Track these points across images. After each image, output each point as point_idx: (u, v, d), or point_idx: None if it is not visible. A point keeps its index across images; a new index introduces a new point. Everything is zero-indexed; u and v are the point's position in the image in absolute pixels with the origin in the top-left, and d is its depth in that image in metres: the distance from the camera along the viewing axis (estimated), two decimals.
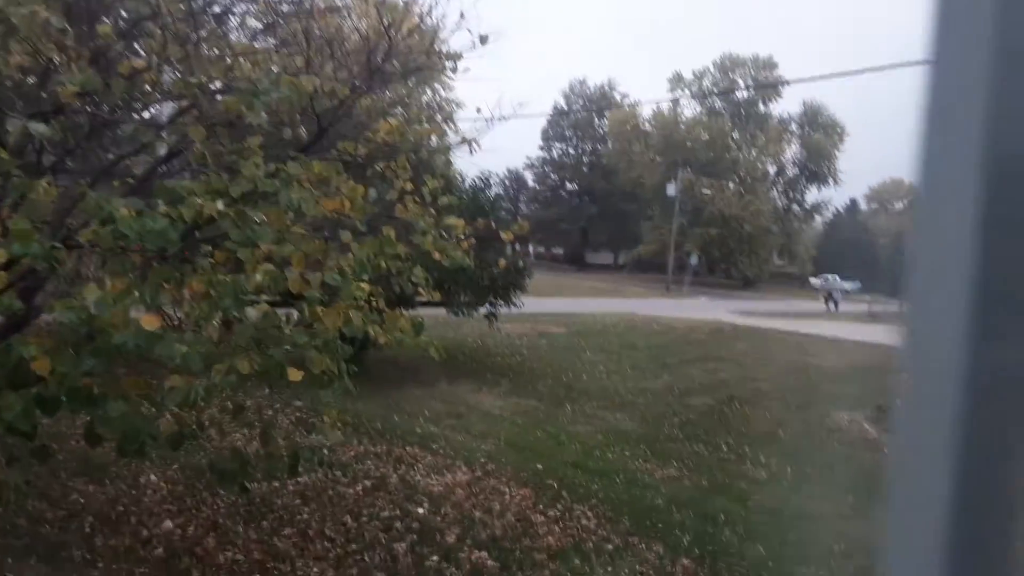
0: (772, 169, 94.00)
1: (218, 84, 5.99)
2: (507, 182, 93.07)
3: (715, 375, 20.37)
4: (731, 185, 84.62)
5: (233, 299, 4.44)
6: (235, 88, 5.58)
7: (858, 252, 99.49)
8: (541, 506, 9.71)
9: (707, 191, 79.11)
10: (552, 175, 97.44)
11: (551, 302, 35.32)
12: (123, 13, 7.36)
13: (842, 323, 39.42)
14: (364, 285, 5.23)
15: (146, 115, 6.64)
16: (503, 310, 18.68)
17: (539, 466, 11.32)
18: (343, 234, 5.57)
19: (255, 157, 5.11)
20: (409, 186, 6.82)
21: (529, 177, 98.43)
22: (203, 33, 6.88)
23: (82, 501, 7.91)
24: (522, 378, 17.75)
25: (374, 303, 5.70)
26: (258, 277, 4.55)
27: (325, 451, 10.15)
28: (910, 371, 1.05)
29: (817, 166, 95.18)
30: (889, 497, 1.06)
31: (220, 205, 4.67)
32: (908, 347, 1.06)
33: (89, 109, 5.58)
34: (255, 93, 5.27)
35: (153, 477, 8.77)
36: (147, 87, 5.86)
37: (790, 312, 45.10)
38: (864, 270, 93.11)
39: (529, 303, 21.30)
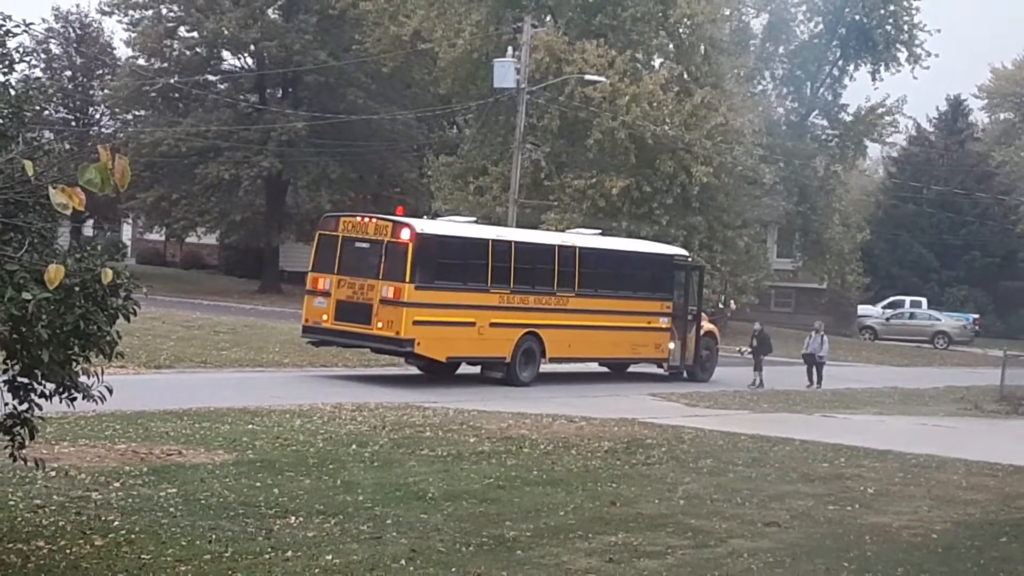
0: (754, 16, 42.34)
1: None
2: (55, 46, 42.75)
3: None
4: (656, 63, 37.21)
5: None
6: None
7: (968, 231, 52.55)
8: None
9: (596, 76, 31.92)
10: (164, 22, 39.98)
11: (183, 381, 18.29)
12: None
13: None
14: None
15: None
16: (55, 408, 7.47)
17: None
18: None
19: None
20: None
21: (120, 28, 42.57)
22: None
23: None
24: None
25: None
26: None
27: None
28: None
29: (867, 15, 41.45)
30: None
31: None
32: None
33: None
34: None
35: None
36: None
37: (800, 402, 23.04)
38: (987, 282, 52.66)
39: (127, 385, 10.64)
